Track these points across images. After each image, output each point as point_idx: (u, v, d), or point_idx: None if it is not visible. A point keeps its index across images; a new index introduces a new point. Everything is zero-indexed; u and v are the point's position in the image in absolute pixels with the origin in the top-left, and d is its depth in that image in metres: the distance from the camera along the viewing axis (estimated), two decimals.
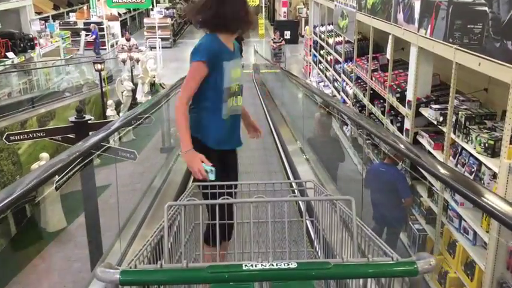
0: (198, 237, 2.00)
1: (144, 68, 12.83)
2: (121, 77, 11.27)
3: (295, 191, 2.55)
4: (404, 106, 6.53)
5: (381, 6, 7.45)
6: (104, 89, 11.00)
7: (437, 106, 5.64)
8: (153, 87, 15.11)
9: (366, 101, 8.42)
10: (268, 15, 31.81)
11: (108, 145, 4.32)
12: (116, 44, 17.23)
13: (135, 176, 8.99)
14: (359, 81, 9.10)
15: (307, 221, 2.33)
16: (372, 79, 8.07)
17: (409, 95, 6.37)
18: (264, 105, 11.50)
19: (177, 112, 2.64)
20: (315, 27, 14.37)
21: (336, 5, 10.94)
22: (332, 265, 1.18)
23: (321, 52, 13.08)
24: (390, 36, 7.07)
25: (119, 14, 25.50)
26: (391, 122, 7.08)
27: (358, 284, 1.54)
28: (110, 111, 10.21)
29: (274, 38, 20.34)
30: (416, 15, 5.92)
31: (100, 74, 9.69)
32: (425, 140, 5.95)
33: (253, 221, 1.84)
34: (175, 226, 1.86)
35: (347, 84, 10.00)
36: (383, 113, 7.48)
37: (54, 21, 23.45)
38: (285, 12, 26.19)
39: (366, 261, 1.26)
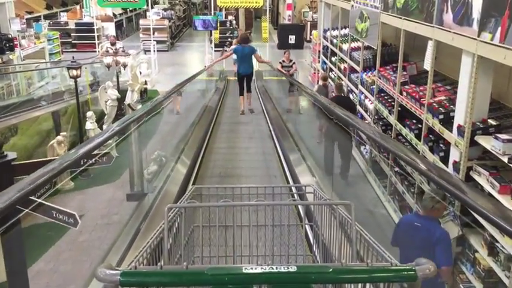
0: (197, 240, 2.13)
1: (134, 74, 11.40)
2: (105, 84, 9.85)
3: (295, 195, 2.52)
4: (451, 131, 5.10)
5: (418, 4, 6.02)
6: (85, 98, 9.60)
7: (507, 137, 4.20)
8: (145, 94, 13.68)
9: (392, 119, 6.97)
10: (271, 18, 30.39)
11: (39, 200, 2.79)
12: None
13: (113, 204, 7.55)
14: (382, 94, 7.67)
15: (307, 226, 2.36)
16: (401, 94, 6.63)
17: (459, 118, 4.94)
18: (272, 132, 10.03)
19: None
20: (325, 31, 12.95)
21: (352, 5, 9.51)
22: (331, 269, 1.17)
23: (333, 59, 11.65)
24: (430, 43, 5.64)
25: (114, 15, 24.09)
26: (431, 150, 5.63)
27: (357, 286, 1.49)
28: (90, 124, 8.78)
29: (284, 61, 13.70)
30: (476, 15, 4.48)
31: (76, 82, 8.28)
32: (483, 179, 4.52)
33: (253, 225, 2.00)
34: (174, 228, 1.84)
35: (366, 97, 8.55)
36: (418, 136, 6.04)
37: (46, 21, 22.12)
38: (289, 16, 24.78)
39: (365, 266, 1.27)
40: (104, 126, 10.12)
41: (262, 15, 27.15)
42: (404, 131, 6.47)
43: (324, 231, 2.15)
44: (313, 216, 2.40)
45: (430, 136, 5.73)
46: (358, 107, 9.08)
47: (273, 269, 1.15)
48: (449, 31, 5.05)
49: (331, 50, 11.94)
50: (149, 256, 1.50)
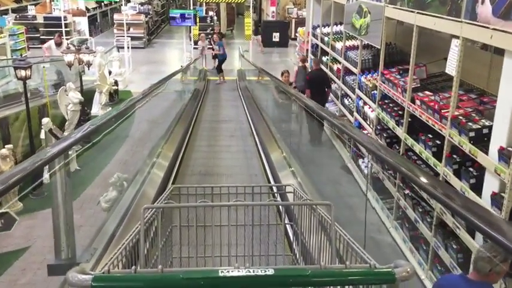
0: (176, 241, 2.07)
1: (102, 74, 10.13)
2: (65, 85, 8.56)
3: (275, 194, 2.61)
4: (486, 153, 4.04)
5: None
6: (43, 101, 8.32)
7: None
8: (116, 95, 12.39)
9: (401, 132, 5.90)
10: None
11: None
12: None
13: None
14: (387, 101, 6.59)
15: (287, 225, 2.38)
16: (413, 102, 5.56)
17: (499, 137, 3.88)
18: (256, 136, 8.91)
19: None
20: (314, 27, 11.85)
21: None
22: (310, 272, 1.16)
23: (324, 59, 10.55)
24: (456, 41, 4.56)
25: (87, 9, 22.62)
26: (457, 174, 4.55)
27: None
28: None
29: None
30: None
31: (25, 84, 7.00)
32: None
33: (232, 225, 2.02)
34: (152, 229, 1.80)
35: (365, 104, 7.47)
36: (437, 156, 4.97)
37: (13, 15, 20.57)
38: (273, 12, 23.66)
39: (344, 268, 1.26)
40: (65, 134, 8.84)
41: (244, 11, 25.96)
42: (418, 148, 5.39)
43: (303, 230, 2.10)
44: (293, 215, 2.36)
45: (455, 156, 4.66)
46: (355, 114, 8.00)
47: (250, 272, 1.11)
48: (487, 27, 3.97)
49: (322, 48, 10.84)
50: (124, 259, 1.44)
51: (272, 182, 6.63)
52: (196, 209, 1.88)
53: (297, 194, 2.30)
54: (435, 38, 6.16)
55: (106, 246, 3.71)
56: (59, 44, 10.71)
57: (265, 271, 1.13)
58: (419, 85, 5.79)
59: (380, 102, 6.72)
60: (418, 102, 5.44)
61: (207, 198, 2.12)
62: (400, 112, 6.10)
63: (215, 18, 22.48)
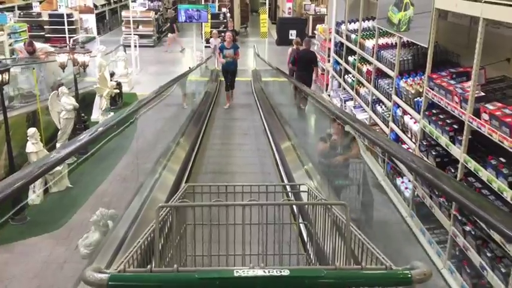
0: (190, 239, 2.08)
1: (102, 75, 9.07)
2: (58, 89, 7.48)
3: (289, 194, 2.55)
4: None
5: None
6: (33, 108, 7.27)
7: None
8: (120, 99, 11.34)
9: (458, 151, 4.72)
10: (269, 12, 28.00)
11: None
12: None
13: (50, 269, 5.23)
14: (436, 112, 5.42)
15: (300, 224, 2.33)
16: (477, 116, 4.39)
17: None
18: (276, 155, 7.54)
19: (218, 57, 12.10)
20: (338, 24, 10.65)
21: None
22: (325, 273, 1.17)
23: (350, 59, 9.36)
24: None
25: (95, 6, 21.67)
26: None
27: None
28: (31, 146, 6.47)
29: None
30: None
31: (1, 91, 5.94)
32: None
33: (246, 223, 1.91)
34: (166, 227, 1.80)
35: (406, 113, 6.29)
36: None
37: (18, 12, 19.70)
38: (289, 9, 22.47)
39: (359, 269, 1.24)
40: (58, 145, 7.80)
41: (259, 8, 24.80)
42: (486, 175, 4.21)
43: (318, 230, 2.09)
44: (307, 215, 2.36)
45: None
46: (392, 125, 6.82)
47: (265, 272, 1.11)
48: None
49: (348, 47, 9.65)
50: (139, 257, 1.45)
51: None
52: (211, 207, 1.88)
53: (311, 193, 2.29)
54: (495, 35, 4.97)
55: (119, 246, 3.52)
56: (31, 53, 9.24)
57: (281, 272, 1.12)
58: (482, 94, 4.61)
59: (427, 113, 5.54)
60: (485, 116, 4.26)
61: (221, 197, 2.14)
62: (456, 126, 4.93)
63: (228, 15, 21.36)
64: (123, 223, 3.97)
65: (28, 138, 6.57)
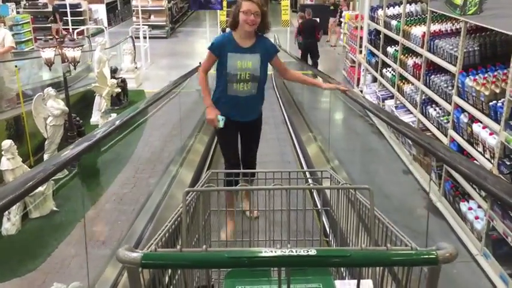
0: (214, 224, 2.18)
1: (100, 72, 7.82)
2: (45, 91, 6.23)
3: (310, 180, 2.57)
4: None
5: None
6: (15, 113, 6.04)
7: None
8: (125, 98, 10.10)
9: None
10: None
11: None
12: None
13: None
14: None
15: (322, 210, 2.49)
16: None
17: None
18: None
19: (199, 81, 3.81)
20: (373, 9, 9.19)
21: None
22: (351, 253, 1.15)
23: (389, 50, 7.92)
24: None
25: None
26: None
27: (374, 273, 1.52)
28: (7, 162, 5.23)
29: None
30: None
31: None
32: None
33: (269, 209, 1.96)
34: (190, 212, 1.82)
35: (476, 120, 4.87)
36: None
37: (24, 4, 18.63)
38: None
39: (385, 250, 1.24)
40: (45, 156, 6.59)
41: None
42: None
43: (340, 215, 2.10)
44: (328, 200, 2.41)
45: None
46: (451, 132, 5.41)
47: (292, 252, 1.11)
48: None
49: (386, 36, 8.20)
50: (166, 239, 1.49)
51: None
52: (234, 193, 1.96)
53: (333, 179, 2.27)
54: None
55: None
56: None
57: (308, 251, 1.10)
58: None
59: (511, 122, 4.13)
60: None
61: (244, 183, 2.13)
62: None
63: None
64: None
65: (3, 152, 5.35)
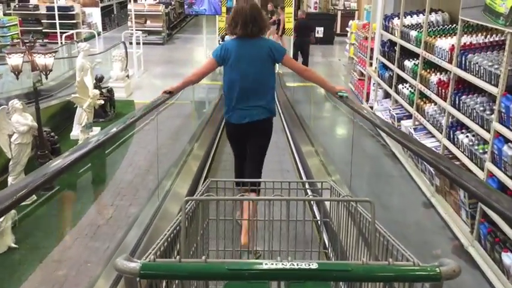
0: (213, 234, 2.12)
1: (81, 82, 6.92)
2: (9, 104, 5.28)
3: (309, 191, 2.48)
4: None
5: None
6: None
7: None
8: (111, 109, 9.20)
9: None
10: None
11: None
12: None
13: None
14: None
15: (323, 221, 2.40)
16: None
17: None
18: None
19: None
20: (387, 18, 8.32)
21: None
22: (353, 267, 1.14)
23: (407, 63, 7.04)
24: None
25: None
26: None
27: (374, 286, 1.51)
28: None
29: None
30: None
31: None
32: None
33: (268, 220, 1.95)
34: (188, 221, 1.77)
35: None
36: None
37: (14, 5, 17.75)
38: (316, 3, 20.13)
39: (387, 265, 1.21)
40: (10, 180, 5.65)
41: (280, 3, 22.50)
42: None
43: (340, 228, 2.07)
44: (328, 212, 2.33)
45: None
46: (489, 166, 4.50)
47: (293, 265, 1.09)
48: None
49: (403, 47, 7.33)
50: (163, 248, 1.48)
51: None
52: (234, 203, 1.92)
53: (333, 190, 2.24)
54: None
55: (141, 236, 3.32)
56: None
57: (309, 265, 1.09)
58: None
59: None
60: None
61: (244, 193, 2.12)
62: None
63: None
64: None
65: None
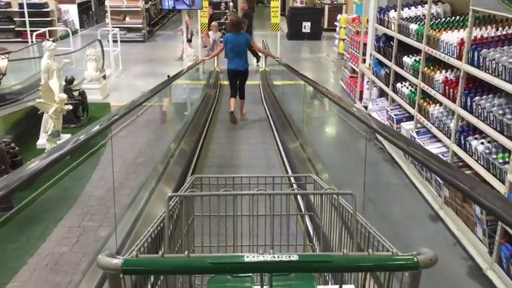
0: (197, 230, 2.13)
1: (45, 85, 6.18)
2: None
3: (294, 185, 2.48)
4: None
5: None
6: None
7: None
8: (84, 113, 8.45)
9: None
10: None
11: None
12: None
13: None
14: None
15: (306, 216, 2.33)
16: None
17: None
18: None
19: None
20: (382, 11, 7.67)
21: None
22: (333, 258, 1.15)
23: (407, 60, 6.41)
24: None
25: None
26: None
27: (356, 278, 1.53)
28: None
29: None
30: None
31: None
32: None
33: (253, 214, 1.95)
34: (174, 217, 1.82)
35: None
36: None
37: None
38: None
39: (366, 255, 1.26)
40: None
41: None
42: None
43: (323, 221, 2.12)
44: (312, 205, 2.38)
45: None
46: (511, 178, 3.89)
47: (274, 257, 1.10)
48: None
49: (401, 42, 6.70)
50: (149, 245, 1.49)
51: None
52: (218, 198, 1.88)
53: (317, 184, 2.26)
54: None
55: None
56: None
57: (290, 257, 1.10)
58: None
59: None
60: None
61: (228, 188, 2.07)
62: None
63: (231, 4, 18.41)
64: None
65: None
